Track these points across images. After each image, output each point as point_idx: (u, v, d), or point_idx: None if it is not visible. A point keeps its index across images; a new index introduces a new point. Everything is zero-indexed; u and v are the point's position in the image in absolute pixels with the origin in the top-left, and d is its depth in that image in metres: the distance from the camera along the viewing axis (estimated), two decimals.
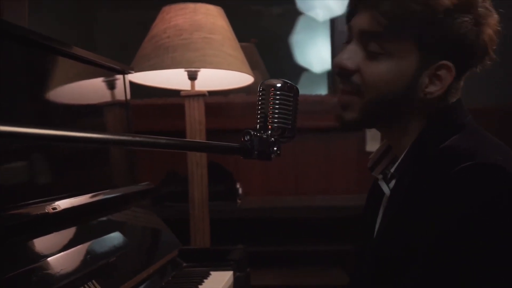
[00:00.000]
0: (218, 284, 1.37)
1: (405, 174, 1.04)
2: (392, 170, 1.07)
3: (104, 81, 1.47)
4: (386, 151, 1.17)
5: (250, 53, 2.79)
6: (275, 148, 0.86)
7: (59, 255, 0.99)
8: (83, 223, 1.14)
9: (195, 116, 1.88)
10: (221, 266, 1.49)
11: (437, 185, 0.93)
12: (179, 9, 1.82)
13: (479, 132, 1.05)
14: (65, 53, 1.25)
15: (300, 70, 3.41)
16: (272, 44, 3.41)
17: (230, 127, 2.14)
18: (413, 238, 0.95)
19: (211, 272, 1.44)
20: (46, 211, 1.00)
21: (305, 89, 3.18)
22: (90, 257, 1.07)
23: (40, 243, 0.98)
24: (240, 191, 2.35)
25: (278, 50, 3.45)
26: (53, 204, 1.03)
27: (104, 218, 1.24)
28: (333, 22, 2.87)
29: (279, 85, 0.87)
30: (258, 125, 0.87)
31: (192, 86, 1.91)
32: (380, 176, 1.13)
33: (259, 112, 0.88)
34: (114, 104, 1.51)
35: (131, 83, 1.87)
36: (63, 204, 1.06)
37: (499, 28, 1.04)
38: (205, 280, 1.37)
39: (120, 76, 1.53)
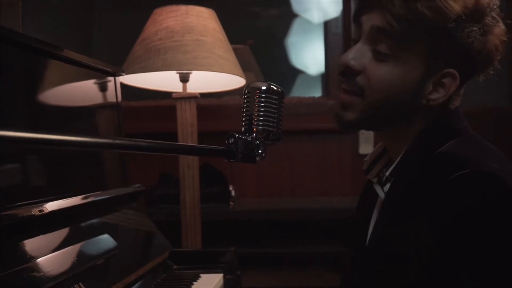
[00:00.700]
0: (207, 286, 1.37)
1: (400, 177, 1.04)
2: (387, 173, 1.06)
3: (95, 83, 1.47)
4: (381, 153, 1.17)
5: (245, 55, 2.79)
6: (260, 151, 0.86)
7: (46, 257, 0.99)
8: (71, 225, 1.14)
9: (187, 118, 1.88)
10: (211, 268, 1.49)
11: (433, 192, 0.93)
12: (171, 11, 1.82)
13: (475, 139, 1.04)
14: (56, 56, 1.25)
15: (295, 72, 3.41)
16: (268, 46, 3.41)
17: (224, 129, 2.12)
18: (408, 244, 0.95)
19: (201, 275, 1.43)
20: (33, 213, 1.00)
21: (300, 91, 3.17)
22: (77, 260, 1.07)
23: (27, 245, 0.98)
24: (233, 193, 2.35)
25: (274, 52, 3.44)
26: (40, 207, 1.03)
27: (93, 220, 1.24)
28: (327, 24, 2.87)
29: (264, 87, 0.87)
30: (243, 128, 0.87)
31: (184, 88, 1.91)
32: (375, 179, 1.12)
33: (244, 114, 0.88)
34: (105, 106, 1.51)
35: (125, 85, 1.88)
36: (50, 206, 1.06)
37: (505, 39, 1.04)
38: (194, 283, 1.37)
39: (111, 78, 1.54)
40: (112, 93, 1.54)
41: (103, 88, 1.51)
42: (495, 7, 1.02)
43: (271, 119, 0.87)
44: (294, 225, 2.42)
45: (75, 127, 1.35)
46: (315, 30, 3.30)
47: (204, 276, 1.43)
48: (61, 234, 1.10)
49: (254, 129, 0.86)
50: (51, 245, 1.04)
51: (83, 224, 1.20)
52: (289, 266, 2.44)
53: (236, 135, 0.85)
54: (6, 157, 1.04)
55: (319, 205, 2.40)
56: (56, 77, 1.28)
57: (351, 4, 2.66)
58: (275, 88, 0.88)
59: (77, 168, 1.33)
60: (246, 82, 1.97)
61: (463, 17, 0.98)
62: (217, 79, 1.99)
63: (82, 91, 1.41)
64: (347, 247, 1.28)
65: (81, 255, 1.09)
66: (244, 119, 0.87)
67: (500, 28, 1.03)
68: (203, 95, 2.05)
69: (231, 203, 2.34)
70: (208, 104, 2.58)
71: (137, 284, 1.26)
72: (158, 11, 1.86)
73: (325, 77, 3.00)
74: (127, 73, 1.76)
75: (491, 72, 1.06)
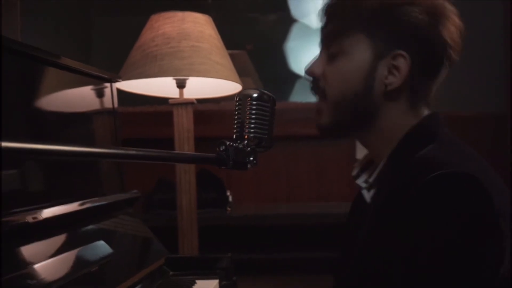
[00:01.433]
0: None
1: (383, 183, 1.05)
2: (371, 180, 1.07)
3: (92, 89, 1.48)
4: (371, 160, 1.17)
5: (242, 60, 2.80)
6: (251, 158, 0.87)
7: (41, 263, 0.99)
8: (67, 231, 1.14)
9: (183, 124, 1.88)
10: (207, 274, 1.49)
11: (409, 195, 0.94)
12: (167, 17, 1.83)
13: (454, 142, 1.05)
14: (53, 63, 1.26)
15: (294, 77, 3.41)
16: (268, 51, 3.42)
17: (221, 135, 2.13)
18: (390, 249, 0.96)
19: (197, 281, 1.43)
20: (27, 220, 1.00)
21: (299, 96, 3.18)
22: (72, 267, 1.07)
23: (22, 252, 0.98)
24: (230, 198, 2.35)
25: (273, 57, 3.45)
26: (35, 214, 1.03)
27: (88, 227, 1.24)
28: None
29: (255, 95, 0.88)
30: (234, 135, 0.88)
31: (181, 94, 1.92)
32: (364, 185, 1.13)
33: (235, 122, 0.88)
34: (102, 112, 1.52)
35: (122, 91, 1.88)
36: (45, 213, 1.06)
37: (460, 23, 1.05)
38: None
39: (108, 84, 1.54)
40: (109, 99, 1.55)
41: (99, 94, 1.51)
42: None
43: (262, 127, 0.88)
44: (291, 231, 2.42)
45: (72, 133, 1.35)
46: (313, 35, 3.31)
47: (200, 282, 1.43)
48: (56, 240, 1.10)
49: (246, 136, 0.87)
50: (47, 251, 1.04)
51: (77, 231, 1.20)
52: (286, 272, 2.44)
53: (227, 143, 0.85)
54: (2, 163, 1.05)
55: (316, 210, 2.40)
56: (53, 84, 1.29)
57: None
58: (267, 96, 0.88)
59: (74, 173, 1.33)
60: (243, 87, 1.98)
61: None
62: (214, 85, 1.99)
63: (79, 97, 1.42)
64: (340, 252, 1.29)
65: (75, 262, 1.09)
66: (235, 126, 0.88)
67: (452, 11, 1.05)
68: (200, 101, 2.06)
69: (229, 209, 2.34)
70: (205, 109, 2.58)
71: None
72: (154, 17, 1.87)
73: None
74: (124, 79, 1.77)
75: (455, 60, 1.07)
